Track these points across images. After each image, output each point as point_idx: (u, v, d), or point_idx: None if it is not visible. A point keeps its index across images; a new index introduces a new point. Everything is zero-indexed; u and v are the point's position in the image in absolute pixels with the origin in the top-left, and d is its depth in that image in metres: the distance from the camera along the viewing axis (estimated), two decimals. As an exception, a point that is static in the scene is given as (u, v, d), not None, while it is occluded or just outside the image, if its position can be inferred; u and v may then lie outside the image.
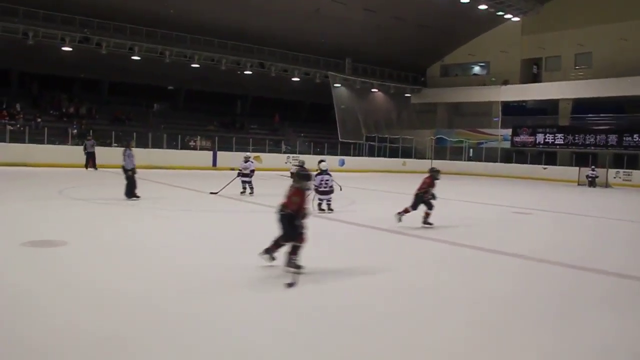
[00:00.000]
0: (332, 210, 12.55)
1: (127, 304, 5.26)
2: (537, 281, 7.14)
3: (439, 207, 10.98)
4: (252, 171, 16.13)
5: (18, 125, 28.57)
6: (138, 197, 13.31)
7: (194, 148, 32.43)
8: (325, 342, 4.50)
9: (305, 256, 6.56)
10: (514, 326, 5.18)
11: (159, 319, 4.89)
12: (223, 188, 15.72)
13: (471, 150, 42.00)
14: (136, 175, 13.46)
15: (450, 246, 9.30)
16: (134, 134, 29.23)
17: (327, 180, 12.43)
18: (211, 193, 15.67)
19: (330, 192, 12.57)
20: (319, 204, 12.48)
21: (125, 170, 13.33)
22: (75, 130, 29.45)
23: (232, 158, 26.09)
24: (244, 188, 16.04)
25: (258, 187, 16.29)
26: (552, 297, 6.30)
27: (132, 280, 6.14)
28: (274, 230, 6.72)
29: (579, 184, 30.17)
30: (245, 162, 16.14)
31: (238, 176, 16.21)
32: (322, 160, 13.14)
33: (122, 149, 13.87)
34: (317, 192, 12.28)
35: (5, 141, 25.75)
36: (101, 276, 6.28)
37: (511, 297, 6.21)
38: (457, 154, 41.51)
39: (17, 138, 26.41)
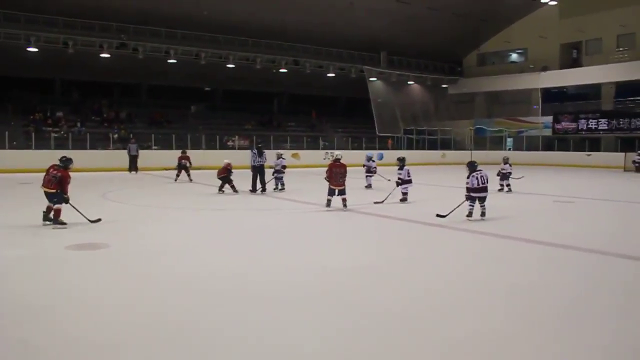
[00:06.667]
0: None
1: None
2: (588, 273, 6.98)
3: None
4: (284, 167, 16.72)
5: (62, 132, 29.31)
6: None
7: (233, 147, 32.70)
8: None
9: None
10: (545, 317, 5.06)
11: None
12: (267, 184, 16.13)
13: (511, 139, 41.26)
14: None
15: (492, 238, 9.17)
16: (173, 135, 29.68)
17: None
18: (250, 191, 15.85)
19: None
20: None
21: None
22: (117, 135, 30.07)
23: (269, 156, 26.14)
24: (277, 184, 16.50)
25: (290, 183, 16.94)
26: (612, 292, 6.13)
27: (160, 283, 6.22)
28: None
29: (625, 170, 29.26)
30: (277, 158, 16.72)
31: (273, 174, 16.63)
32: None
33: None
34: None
35: (50, 148, 26.46)
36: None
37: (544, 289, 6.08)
38: (497, 143, 40.81)
39: (61, 145, 27.06)
